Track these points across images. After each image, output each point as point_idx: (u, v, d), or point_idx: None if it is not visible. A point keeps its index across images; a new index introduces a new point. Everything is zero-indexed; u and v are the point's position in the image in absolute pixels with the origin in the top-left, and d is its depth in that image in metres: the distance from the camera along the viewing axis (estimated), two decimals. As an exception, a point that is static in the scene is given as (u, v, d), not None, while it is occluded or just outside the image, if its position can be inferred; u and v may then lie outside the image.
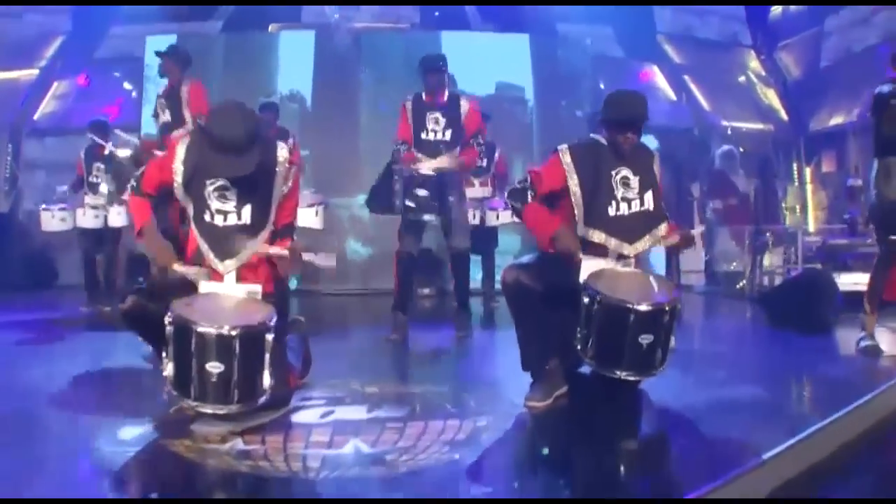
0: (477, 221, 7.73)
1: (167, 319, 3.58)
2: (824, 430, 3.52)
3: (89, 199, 8.34)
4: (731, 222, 10.03)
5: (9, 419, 3.86)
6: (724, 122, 11.87)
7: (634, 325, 3.83)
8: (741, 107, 12.26)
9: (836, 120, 11.41)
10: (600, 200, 4.19)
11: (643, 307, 3.84)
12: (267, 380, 3.65)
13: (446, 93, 6.16)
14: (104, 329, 7.02)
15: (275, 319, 3.69)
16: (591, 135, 4.40)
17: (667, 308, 3.89)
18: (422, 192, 5.83)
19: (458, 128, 6.05)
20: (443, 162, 5.91)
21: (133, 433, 3.61)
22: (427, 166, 5.89)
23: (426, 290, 9.18)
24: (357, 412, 3.93)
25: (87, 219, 8.24)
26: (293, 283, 8.54)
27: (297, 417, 3.85)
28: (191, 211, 4.01)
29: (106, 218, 8.22)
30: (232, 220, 3.95)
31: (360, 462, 3.22)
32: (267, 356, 3.63)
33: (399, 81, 10.05)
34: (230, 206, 3.95)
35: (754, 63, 12.77)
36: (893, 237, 5.31)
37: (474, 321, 6.55)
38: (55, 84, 11.90)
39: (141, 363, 4.99)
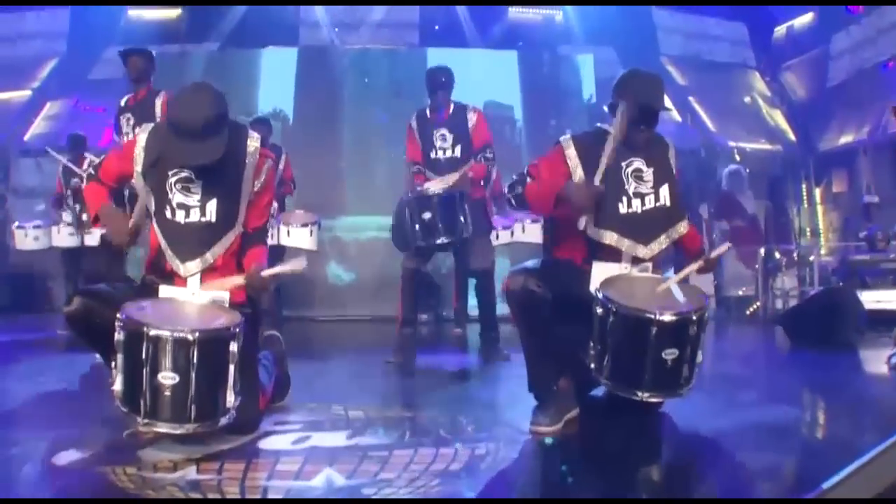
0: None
1: (117, 323, 3.00)
2: (885, 455, 2.89)
3: (67, 216, 7.63)
4: (740, 244, 9.42)
5: None
6: (731, 143, 11.35)
7: (657, 338, 3.22)
8: (748, 128, 11.76)
9: (846, 139, 10.90)
10: (610, 196, 3.59)
11: (666, 317, 3.24)
12: (230, 397, 3.05)
13: (451, 106, 5.64)
14: (77, 352, 6.39)
15: (241, 327, 3.10)
16: (598, 124, 3.82)
17: (693, 317, 3.28)
18: (426, 216, 5.13)
19: (467, 142, 5.54)
20: (448, 180, 5.28)
21: (70, 458, 3.00)
22: (434, 186, 5.28)
23: (423, 317, 8.54)
24: (336, 438, 3.31)
25: (63, 237, 7.53)
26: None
27: (266, 444, 3.24)
28: (151, 206, 3.43)
29: (83, 237, 7.34)
30: (195, 216, 3.37)
31: (332, 495, 2.60)
32: (231, 368, 3.05)
33: (383, 99, 9.68)
34: (193, 200, 3.37)
35: (759, 84, 12.31)
36: None
37: (472, 347, 5.96)
38: (47, 105, 11.44)
39: (96, 382, 4.38)
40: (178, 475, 2.79)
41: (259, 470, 2.88)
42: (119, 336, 3.00)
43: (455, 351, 6.85)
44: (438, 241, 5.20)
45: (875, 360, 5.32)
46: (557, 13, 11.70)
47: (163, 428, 3.00)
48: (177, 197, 3.37)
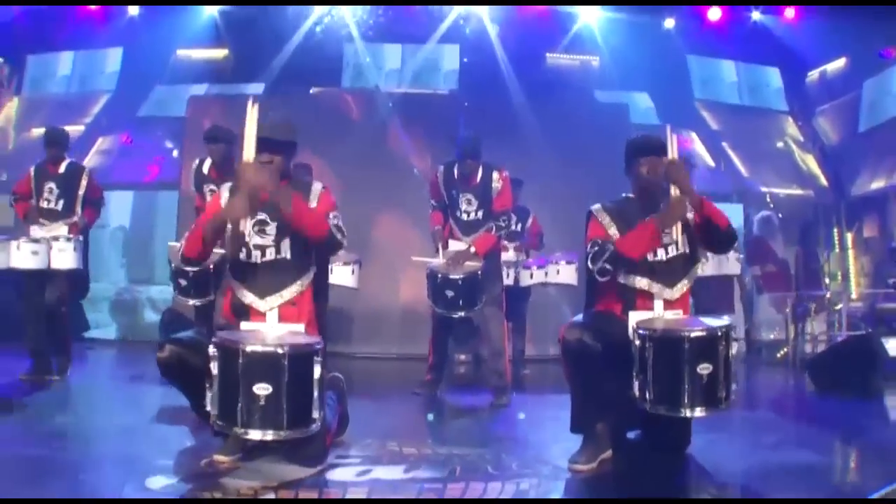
0: (511, 282, 7.59)
1: (212, 348, 3.47)
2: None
3: (35, 230, 6.45)
4: (771, 289, 9.79)
5: (35, 464, 3.79)
6: (763, 189, 11.67)
7: (690, 353, 3.73)
8: (780, 173, 12.06)
9: (878, 184, 11.18)
10: None
11: (696, 333, 3.77)
12: (316, 407, 3.51)
13: (480, 170, 6.14)
14: (135, 383, 6.87)
15: (321, 346, 3.60)
16: (623, 194, 4.34)
17: (719, 333, 3.79)
18: (449, 293, 5.90)
19: (489, 207, 6.11)
20: (462, 269, 5.93)
21: (161, 483, 3.48)
22: (453, 271, 5.92)
23: (462, 356, 8.94)
24: (394, 472, 3.77)
25: (23, 256, 6.13)
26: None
27: (333, 475, 3.70)
28: (228, 254, 3.92)
29: (49, 257, 6.25)
30: (271, 254, 3.88)
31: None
32: (315, 380, 3.51)
33: (416, 142, 10.14)
34: (269, 240, 3.86)
35: (792, 129, 12.60)
36: None
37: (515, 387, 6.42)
38: (99, 140, 11.95)
39: (163, 418, 5.02)
40: (260, 500, 3.24)
41: (333, 497, 3.32)
42: (215, 358, 3.45)
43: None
44: (456, 315, 6.01)
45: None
46: (594, 58, 12.14)
47: (258, 434, 3.41)
48: (254, 239, 3.85)
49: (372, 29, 11.85)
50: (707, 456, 4.10)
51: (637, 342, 3.82)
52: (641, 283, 4.10)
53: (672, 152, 4.14)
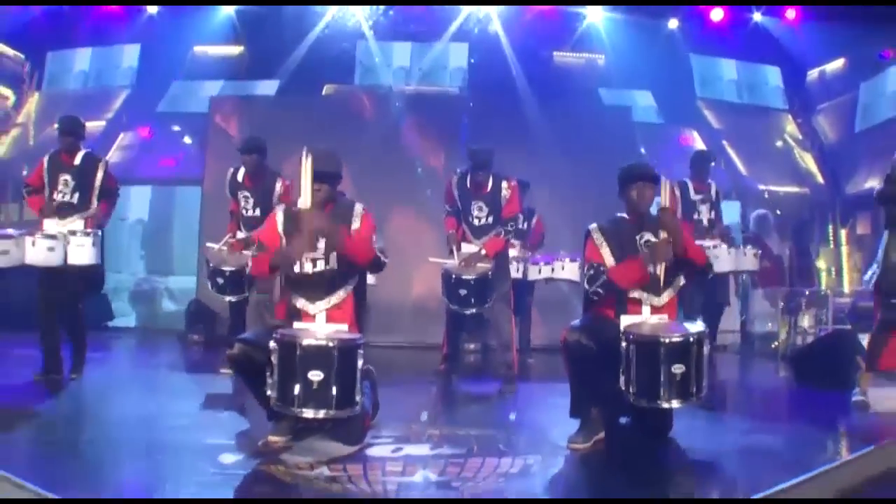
0: (520, 275, 8.47)
1: (273, 343, 4.33)
2: (818, 478, 4.10)
3: (49, 224, 6.39)
4: (766, 284, 10.56)
5: (108, 449, 4.74)
6: (762, 186, 12.42)
7: (666, 356, 4.57)
8: (778, 171, 12.80)
9: (872, 183, 11.73)
10: None
11: (671, 339, 4.62)
12: (358, 390, 4.38)
13: (490, 180, 6.98)
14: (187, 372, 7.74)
15: (363, 341, 4.47)
16: (617, 214, 5.18)
17: (691, 339, 4.62)
18: (462, 292, 6.72)
19: (499, 213, 6.97)
20: (475, 270, 6.75)
21: (232, 459, 4.37)
22: (466, 272, 6.72)
23: (471, 346, 9.72)
24: (422, 449, 4.68)
25: (38, 252, 6.09)
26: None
27: (371, 452, 4.60)
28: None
29: (65, 253, 6.21)
30: (320, 265, 4.73)
31: (431, 487, 3.98)
32: (358, 369, 4.38)
33: (422, 141, 10.79)
34: (319, 253, 4.71)
35: (791, 127, 13.31)
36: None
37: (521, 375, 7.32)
38: (121, 135, 12.61)
39: (209, 405, 5.97)
40: (315, 473, 4.14)
41: (374, 470, 4.22)
42: (276, 350, 4.31)
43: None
44: (468, 312, 6.84)
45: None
46: (599, 57, 12.90)
47: (311, 413, 4.29)
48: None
49: (383, 27, 12.56)
50: (686, 439, 4.99)
51: (624, 343, 4.68)
52: (632, 291, 4.94)
53: (664, 200, 5.01)
